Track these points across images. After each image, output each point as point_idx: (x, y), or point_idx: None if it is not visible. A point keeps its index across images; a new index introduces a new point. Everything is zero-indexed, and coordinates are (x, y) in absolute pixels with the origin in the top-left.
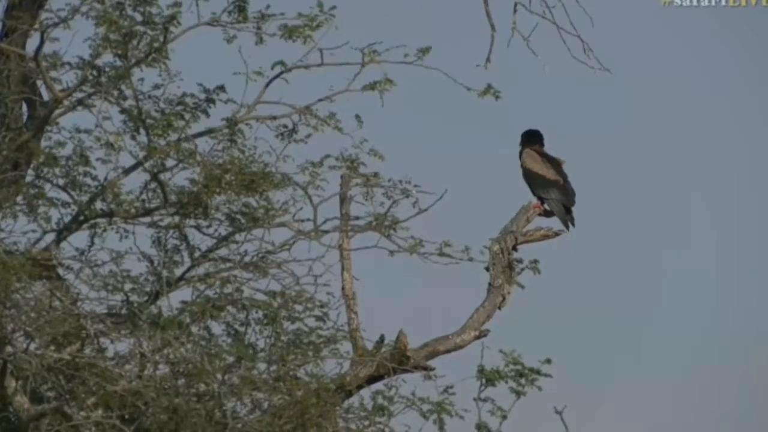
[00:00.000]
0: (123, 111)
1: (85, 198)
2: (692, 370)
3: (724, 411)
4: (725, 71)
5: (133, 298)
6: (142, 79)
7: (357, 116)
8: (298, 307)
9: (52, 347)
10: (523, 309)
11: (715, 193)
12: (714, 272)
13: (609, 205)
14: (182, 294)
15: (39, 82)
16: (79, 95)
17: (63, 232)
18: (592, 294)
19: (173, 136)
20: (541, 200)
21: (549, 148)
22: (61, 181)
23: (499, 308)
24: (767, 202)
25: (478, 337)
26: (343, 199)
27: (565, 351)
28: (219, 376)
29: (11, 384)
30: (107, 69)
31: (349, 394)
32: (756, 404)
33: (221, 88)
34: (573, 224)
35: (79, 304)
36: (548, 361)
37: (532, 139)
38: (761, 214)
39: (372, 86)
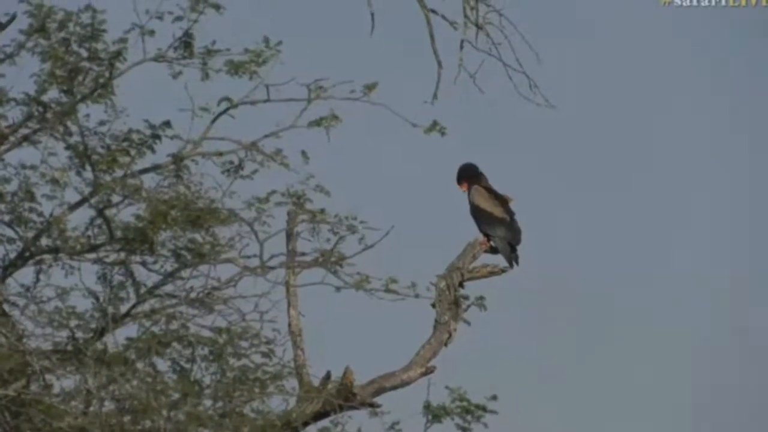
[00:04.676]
0: (68, 147)
1: (30, 234)
2: (636, 412)
3: None
4: (725, 71)
5: (79, 334)
6: (87, 115)
7: (303, 152)
8: (244, 344)
9: None
10: (469, 345)
11: (711, 200)
12: (667, 309)
13: (559, 241)
14: (128, 330)
15: None
16: (24, 131)
17: (8, 269)
18: (538, 330)
19: (119, 172)
20: (488, 237)
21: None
22: (6, 218)
23: (446, 345)
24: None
25: (424, 374)
26: (290, 235)
27: (511, 388)
28: (165, 412)
29: None
30: (53, 105)
31: (296, 431)
32: None
33: (167, 123)
34: (517, 263)
35: (24, 340)
36: (494, 397)
37: (472, 174)
38: (758, 217)
39: (318, 122)
